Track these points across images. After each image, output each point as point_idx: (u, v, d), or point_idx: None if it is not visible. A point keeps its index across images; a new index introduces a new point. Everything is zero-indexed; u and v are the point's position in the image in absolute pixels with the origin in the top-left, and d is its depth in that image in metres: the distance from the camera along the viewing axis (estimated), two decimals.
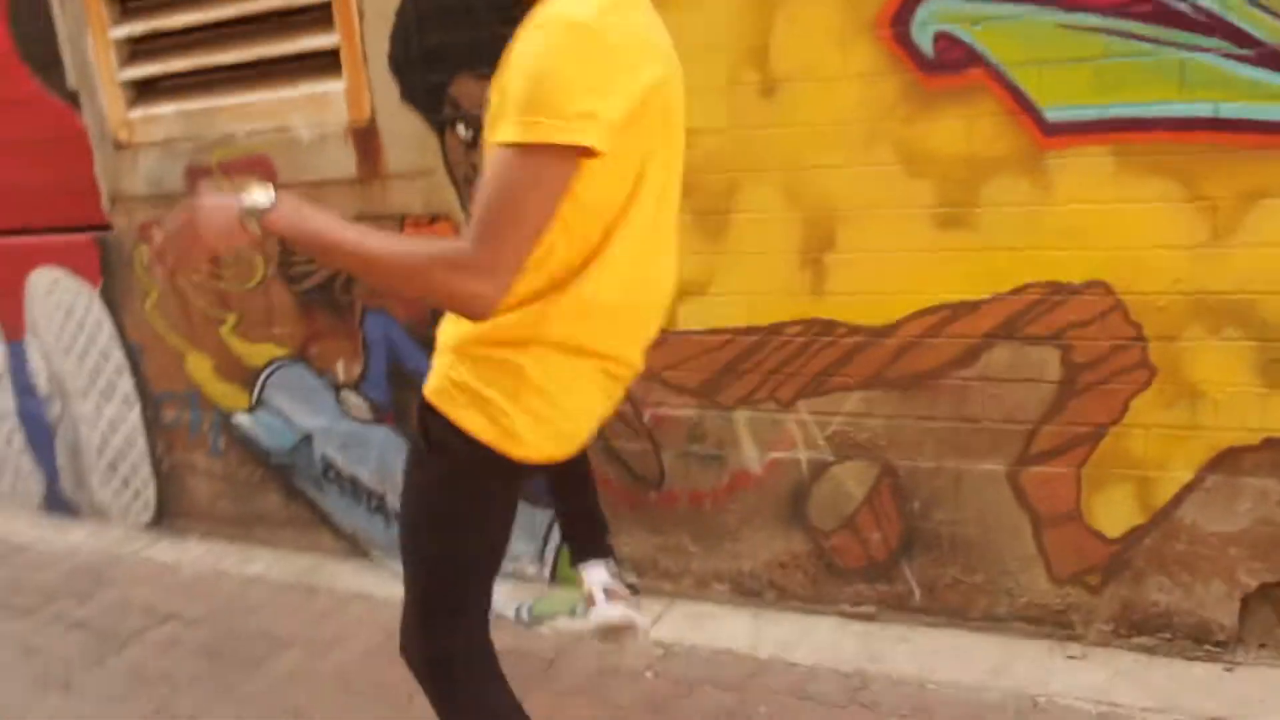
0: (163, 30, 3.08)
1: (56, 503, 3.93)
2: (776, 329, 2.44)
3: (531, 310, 1.38)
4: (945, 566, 2.43)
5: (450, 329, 1.46)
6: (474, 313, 1.26)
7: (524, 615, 2.83)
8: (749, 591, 2.68)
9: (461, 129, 2.69)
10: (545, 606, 2.86)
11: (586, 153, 1.23)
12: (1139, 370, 2.14)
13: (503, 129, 1.23)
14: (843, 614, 2.58)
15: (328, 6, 2.80)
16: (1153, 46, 1.97)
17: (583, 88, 1.22)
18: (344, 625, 2.92)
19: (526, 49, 1.26)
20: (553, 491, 2.05)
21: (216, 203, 1.32)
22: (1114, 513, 2.23)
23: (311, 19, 2.85)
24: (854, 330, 2.36)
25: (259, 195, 1.30)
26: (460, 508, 1.52)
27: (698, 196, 2.43)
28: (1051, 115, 2.07)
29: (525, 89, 1.22)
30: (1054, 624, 2.34)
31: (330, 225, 1.30)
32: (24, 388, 3.84)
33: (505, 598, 2.94)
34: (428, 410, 1.45)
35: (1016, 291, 2.20)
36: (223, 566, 3.40)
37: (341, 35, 2.79)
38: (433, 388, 1.45)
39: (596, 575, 2.05)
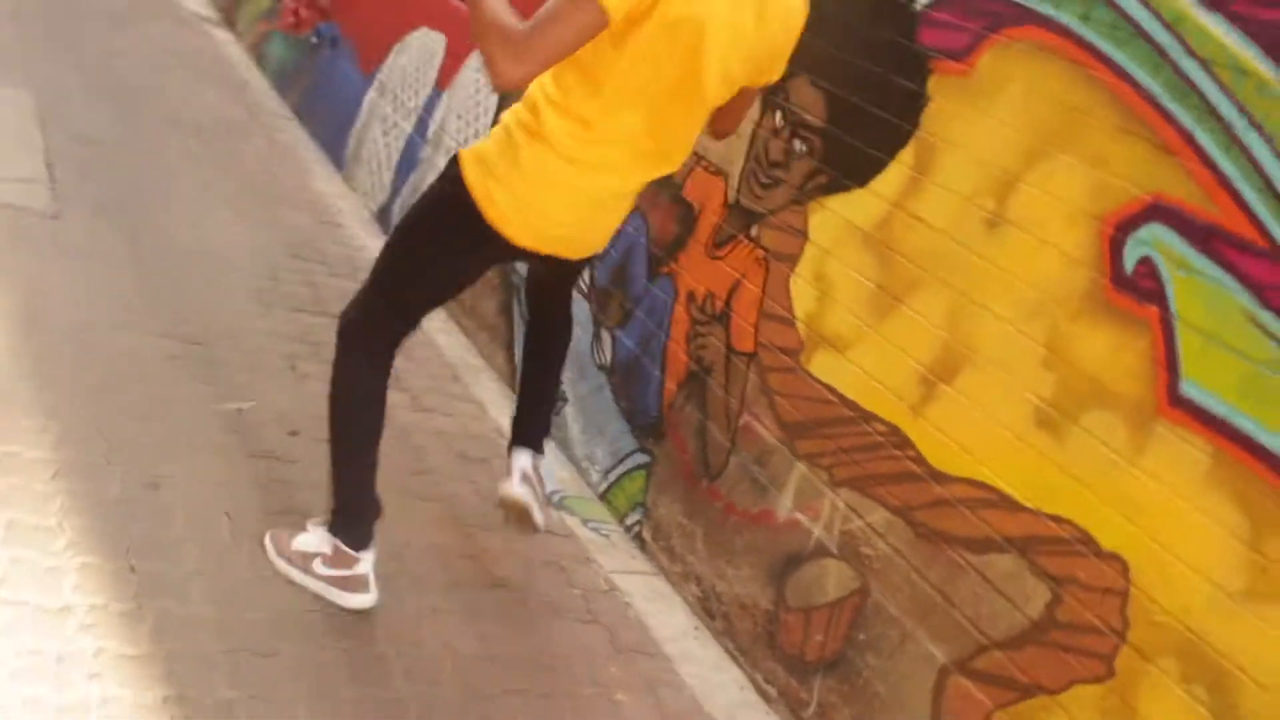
0: None
1: (384, 216, 4.84)
2: (870, 417, 2.57)
3: (552, 116, 2.00)
4: (846, 704, 2.47)
5: (505, 120, 2.10)
6: (495, 78, 1.87)
7: (554, 497, 3.20)
8: (709, 610, 2.86)
9: (779, 116, 3.02)
10: (573, 504, 3.22)
11: (603, 17, 1.84)
12: (1099, 663, 2.06)
13: None
14: (753, 680, 2.69)
15: None
16: None
17: None
18: (447, 408, 3.45)
19: None
20: (526, 353, 2.65)
21: None
22: None
23: None
24: (920, 460, 2.44)
25: None
26: (434, 226, 2.18)
27: (890, 275, 2.60)
28: (1185, 389, 2.03)
29: None
30: None
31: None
32: (420, 124, 4.75)
33: (554, 477, 3.32)
34: (454, 162, 2.09)
35: (1055, 519, 2.18)
36: (425, 322, 4.06)
37: None
38: (464, 151, 2.10)
39: (523, 460, 2.61)
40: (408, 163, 4.82)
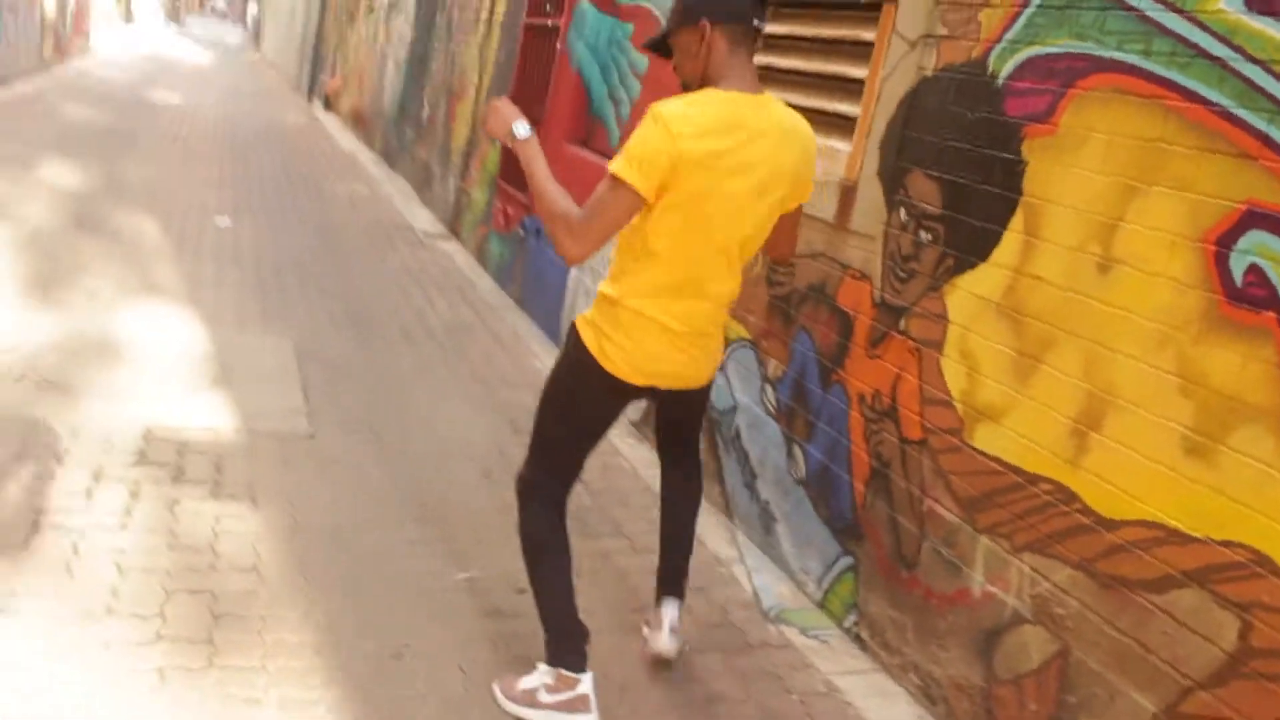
0: (774, 68, 4.01)
1: None
2: (1034, 479, 2.64)
3: (624, 283, 2.47)
4: None
5: (600, 290, 2.54)
6: (561, 255, 2.40)
7: (772, 612, 3.38)
8: (930, 697, 2.93)
9: (903, 212, 3.22)
10: (792, 615, 3.39)
11: (639, 198, 2.34)
12: None
13: (612, 161, 2.35)
14: None
15: (861, 83, 3.47)
16: None
17: (641, 152, 2.33)
18: None
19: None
20: (664, 508, 3.04)
21: (511, 110, 2.53)
22: None
23: (850, 90, 3.55)
24: (1087, 511, 2.49)
25: (521, 127, 2.50)
26: (568, 387, 2.63)
27: (1024, 337, 2.71)
28: None
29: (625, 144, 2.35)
30: None
31: (537, 167, 2.44)
32: None
33: (774, 592, 3.51)
34: (573, 328, 2.57)
35: (1226, 544, 2.17)
36: (645, 472, 4.44)
37: (862, 108, 3.46)
38: (579, 317, 2.57)
39: (671, 612, 2.96)
40: None
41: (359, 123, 15.10)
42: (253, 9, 49.88)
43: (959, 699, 2.84)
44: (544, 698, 2.64)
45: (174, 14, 48.08)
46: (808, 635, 3.29)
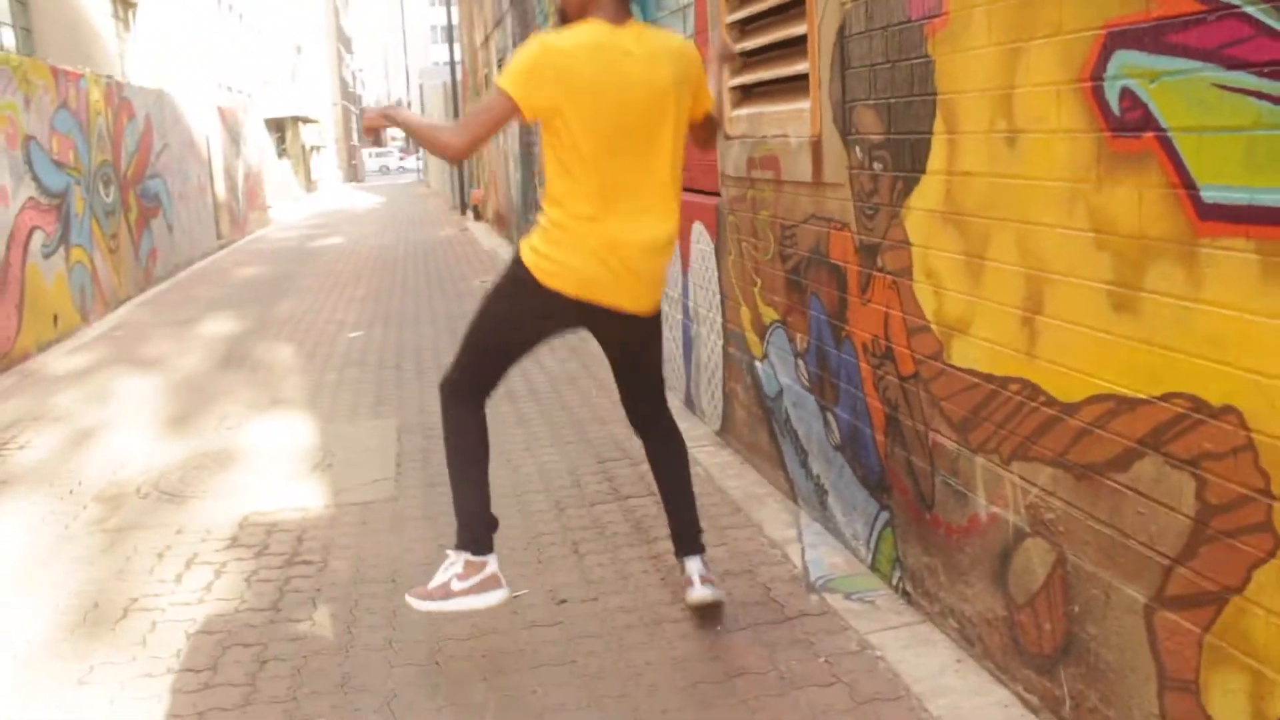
0: (748, 50, 3.98)
1: (689, 400, 5.27)
2: (1004, 382, 2.45)
3: (551, 208, 2.73)
4: (1090, 686, 2.22)
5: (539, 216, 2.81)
6: (446, 154, 2.73)
7: (818, 582, 3.24)
8: (967, 638, 2.72)
9: (857, 151, 3.10)
10: (838, 583, 3.23)
11: (515, 106, 2.65)
12: (1262, 534, 1.74)
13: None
14: (1018, 694, 2.49)
15: (805, 39, 3.39)
16: None
17: (518, 66, 2.62)
18: (719, 538, 3.66)
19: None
20: (655, 473, 3.12)
21: (377, 107, 3.00)
22: (1229, 705, 1.85)
23: (801, 50, 3.47)
24: (1051, 401, 2.28)
25: (387, 105, 2.90)
26: (502, 294, 2.85)
27: (968, 238, 2.54)
28: (1207, 195, 1.79)
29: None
30: None
31: (412, 119, 2.84)
32: (685, 308, 5.21)
33: (826, 564, 3.36)
34: (515, 249, 2.81)
35: (1165, 398, 1.93)
36: (719, 475, 4.37)
37: (810, 63, 3.37)
38: (521, 240, 2.82)
39: (694, 566, 3.00)
40: (687, 345, 5.27)
41: (500, 222, 15.80)
42: (420, 151, 53.32)
43: (990, 634, 2.61)
44: (456, 586, 2.77)
45: (352, 175, 52.02)
46: (851, 599, 3.11)
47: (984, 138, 2.41)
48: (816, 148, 3.38)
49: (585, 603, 3.26)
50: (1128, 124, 1.95)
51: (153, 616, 3.35)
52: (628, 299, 2.79)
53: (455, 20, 21.71)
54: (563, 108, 2.60)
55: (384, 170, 65.49)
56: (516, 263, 2.78)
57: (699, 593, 2.94)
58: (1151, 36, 1.86)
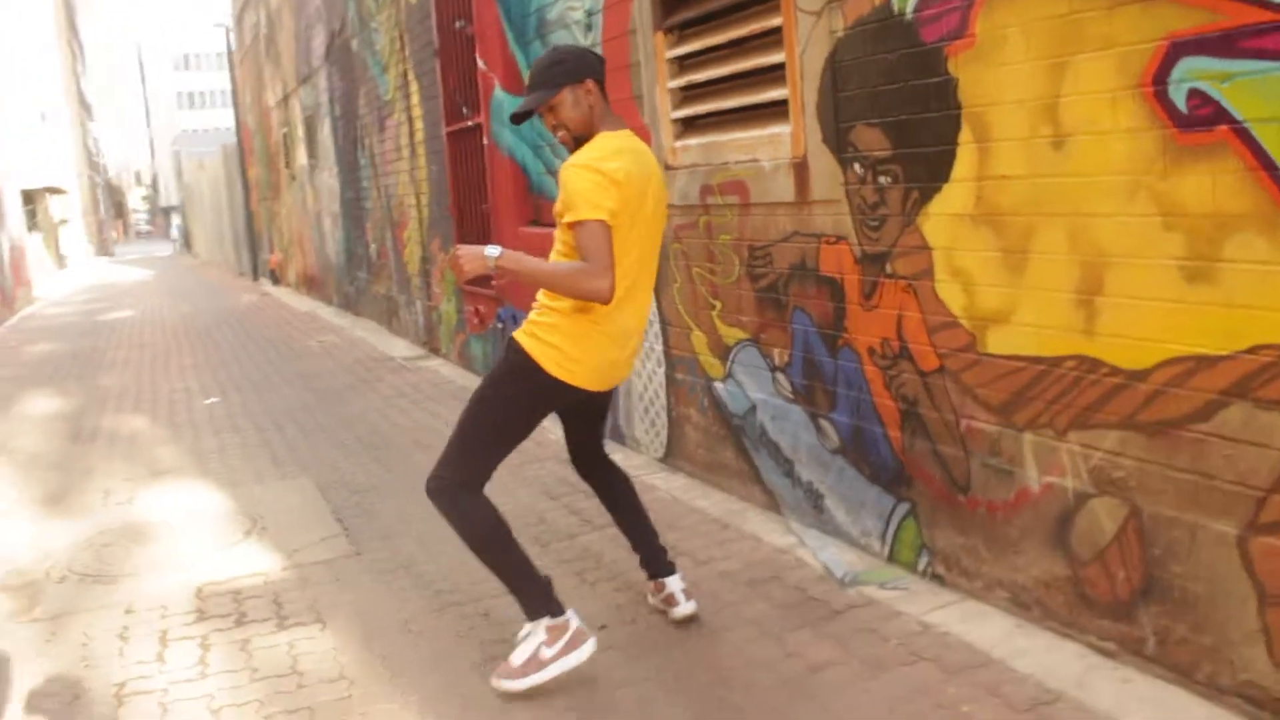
0: (697, 82, 4.19)
1: (615, 433, 5.36)
2: (1056, 361, 2.72)
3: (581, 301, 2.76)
4: (1177, 621, 2.50)
5: (552, 306, 2.81)
6: (597, 298, 2.66)
7: (846, 578, 3.41)
8: (1021, 604, 2.96)
9: (857, 167, 3.35)
10: (866, 576, 3.41)
11: (607, 225, 2.67)
12: None
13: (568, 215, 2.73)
14: (1090, 645, 2.74)
15: (783, 66, 3.63)
16: None
17: (589, 195, 2.68)
18: (724, 552, 3.78)
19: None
20: (611, 509, 3.30)
21: (472, 250, 2.77)
22: None
23: (775, 77, 3.72)
24: (1115, 371, 2.56)
25: (491, 250, 2.73)
26: (512, 395, 2.82)
27: (1006, 236, 2.82)
28: None
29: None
30: (1273, 711, 2.31)
31: (526, 262, 2.75)
32: None
33: (843, 562, 3.54)
34: (513, 341, 2.78)
35: (1251, 351, 2.25)
36: (685, 497, 4.48)
37: (790, 89, 3.61)
38: (523, 334, 2.84)
39: (675, 583, 3.24)
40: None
41: (310, 284, 15.30)
42: (175, 220, 50.63)
43: (1051, 596, 2.87)
44: (546, 653, 2.81)
45: (103, 248, 48.71)
46: (886, 589, 3.32)
47: (1024, 144, 2.71)
48: (801, 168, 3.62)
49: (626, 625, 3.30)
50: (1197, 119, 2.28)
51: (156, 699, 3.11)
52: (621, 378, 2.99)
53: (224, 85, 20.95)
54: (620, 219, 2.72)
55: (136, 233, 61.76)
56: (524, 360, 2.80)
57: (687, 607, 3.19)
58: (1222, 44, 2.20)
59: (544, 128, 6.05)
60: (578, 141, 2.86)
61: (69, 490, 5.61)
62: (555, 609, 2.86)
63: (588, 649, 2.86)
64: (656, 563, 3.24)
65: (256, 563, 4.20)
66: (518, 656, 2.85)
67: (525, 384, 2.82)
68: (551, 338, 2.79)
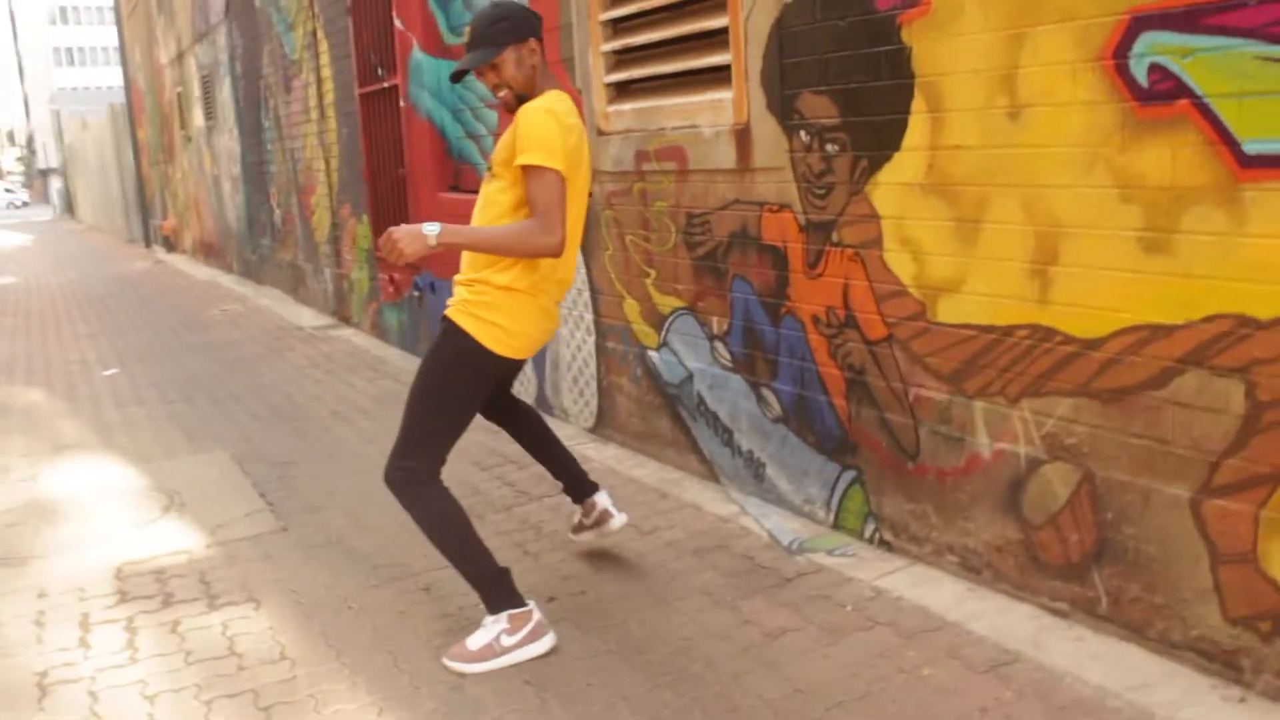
0: (633, 46, 4.10)
1: (542, 403, 5.27)
2: (1009, 330, 2.74)
3: (515, 271, 2.74)
4: (1130, 581, 2.55)
5: (463, 275, 2.77)
6: (545, 253, 2.65)
7: (793, 545, 3.41)
8: (972, 568, 2.99)
9: (803, 135, 3.31)
10: (813, 543, 3.42)
11: (561, 175, 2.66)
12: None
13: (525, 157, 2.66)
14: (1042, 605, 2.79)
15: (726, 31, 3.57)
16: None
17: (550, 142, 2.66)
18: (667, 521, 3.75)
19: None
20: (527, 445, 3.31)
21: (409, 230, 2.61)
22: None
23: (717, 42, 3.65)
24: (1069, 339, 2.59)
25: (430, 228, 2.60)
26: (456, 376, 2.80)
27: (958, 205, 2.81)
28: (1250, 148, 2.15)
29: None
30: (1224, 663, 2.38)
31: (466, 233, 2.69)
32: None
33: (787, 530, 3.54)
34: (450, 323, 2.74)
35: (1207, 320, 2.29)
36: (620, 467, 4.43)
37: (733, 55, 3.55)
38: (455, 311, 2.78)
39: (604, 499, 3.34)
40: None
41: (208, 251, 14.72)
42: (55, 183, 48.16)
43: (1001, 559, 2.91)
44: (506, 641, 2.78)
45: None
46: (835, 555, 3.33)
47: (979, 114, 2.71)
48: (743, 135, 3.58)
49: (575, 597, 3.25)
50: (1158, 94, 2.30)
51: (84, 686, 2.94)
52: (548, 340, 3.10)
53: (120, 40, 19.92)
54: (567, 168, 2.69)
55: (10, 204, 58.48)
56: (463, 340, 2.76)
57: (620, 518, 3.34)
58: (1186, 19, 2.22)
59: (463, 90, 5.93)
60: (519, 100, 2.79)
61: None
62: (517, 600, 2.83)
63: (547, 642, 2.83)
64: (582, 484, 3.32)
65: (177, 540, 4.01)
66: (475, 641, 2.80)
67: (470, 365, 2.79)
68: (493, 316, 2.75)
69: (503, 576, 2.85)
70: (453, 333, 2.78)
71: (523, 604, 2.83)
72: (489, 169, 2.85)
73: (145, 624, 3.32)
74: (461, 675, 2.78)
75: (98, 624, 3.34)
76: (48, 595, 3.60)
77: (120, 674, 3.00)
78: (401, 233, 2.61)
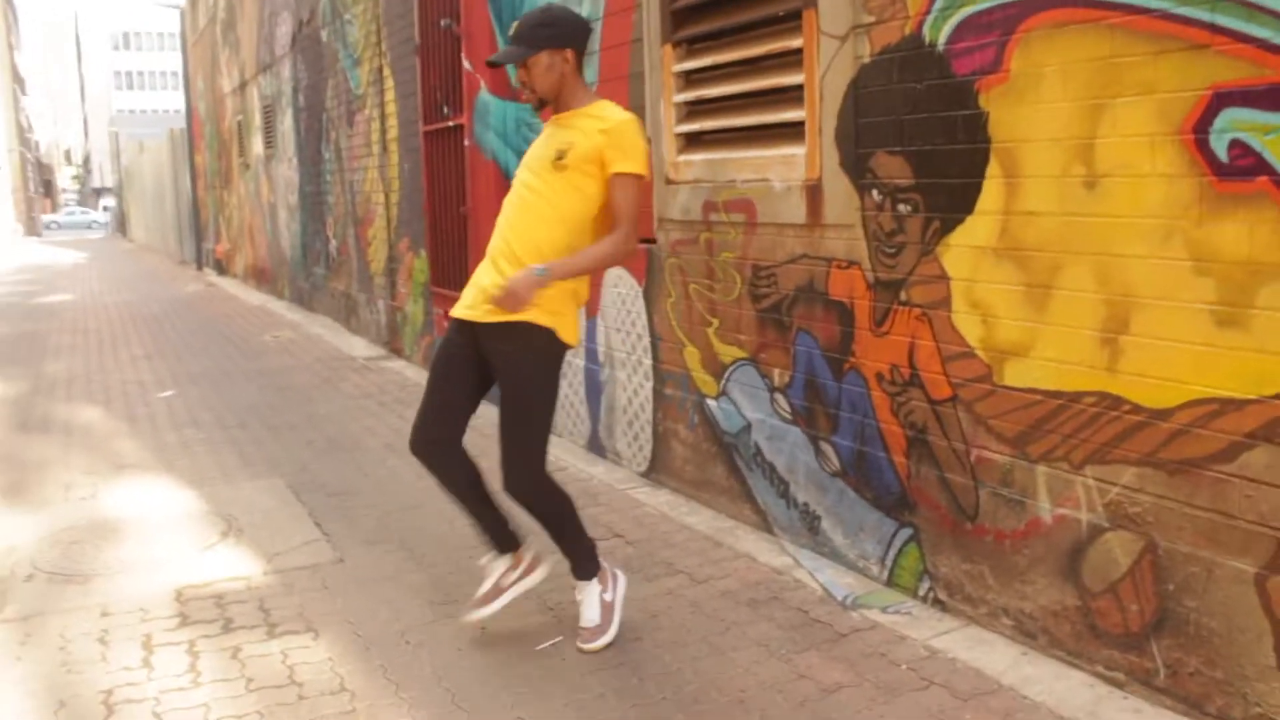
0: (705, 99, 4.22)
1: (595, 444, 5.36)
2: (1076, 396, 2.79)
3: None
4: (1190, 654, 2.58)
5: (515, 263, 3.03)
6: (632, 254, 3.18)
7: (848, 601, 3.46)
8: (1027, 632, 3.02)
9: (875, 194, 3.40)
10: (867, 599, 3.46)
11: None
12: None
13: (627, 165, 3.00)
14: (1098, 674, 2.82)
15: (800, 88, 3.68)
16: None
17: (644, 152, 3.14)
18: (721, 570, 3.81)
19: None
20: (464, 494, 3.30)
21: (519, 280, 2.88)
22: None
23: (791, 98, 3.76)
24: (1137, 409, 2.64)
25: (539, 268, 2.89)
26: (552, 377, 3.09)
27: (1030, 271, 2.89)
28: None
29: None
30: None
31: (574, 264, 2.97)
32: (589, 353, 5.33)
33: (841, 585, 3.59)
34: (531, 328, 2.98)
35: (1279, 397, 2.33)
36: (673, 513, 4.50)
37: (807, 111, 3.66)
38: (532, 317, 2.97)
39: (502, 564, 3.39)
40: (594, 390, 5.38)
41: (260, 276, 15.05)
42: (105, 201, 49.22)
43: (1058, 625, 2.94)
44: (608, 597, 3.22)
45: (32, 228, 47.21)
46: (889, 613, 3.37)
47: (1055, 181, 2.79)
48: (814, 191, 3.67)
49: (631, 643, 3.30)
50: (1238, 169, 2.37)
51: (149, 708, 3.04)
52: None
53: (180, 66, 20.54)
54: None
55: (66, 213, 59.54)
56: (552, 340, 3.02)
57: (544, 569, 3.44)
58: (1266, 97, 2.29)
59: (528, 132, 6.09)
60: (541, 104, 3.06)
61: (24, 482, 5.46)
62: (599, 562, 3.26)
63: (624, 579, 3.32)
64: (511, 534, 3.34)
65: (236, 566, 4.13)
66: (589, 616, 3.19)
67: (556, 359, 3.09)
68: (557, 306, 3.01)
69: (592, 544, 3.25)
70: (537, 334, 2.98)
71: (601, 564, 3.26)
72: (558, 158, 2.96)
73: (207, 648, 3.42)
74: (609, 645, 3.18)
75: (160, 645, 3.45)
76: (111, 614, 3.72)
77: (183, 697, 3.10)
78: (513, 283, 2.86)
